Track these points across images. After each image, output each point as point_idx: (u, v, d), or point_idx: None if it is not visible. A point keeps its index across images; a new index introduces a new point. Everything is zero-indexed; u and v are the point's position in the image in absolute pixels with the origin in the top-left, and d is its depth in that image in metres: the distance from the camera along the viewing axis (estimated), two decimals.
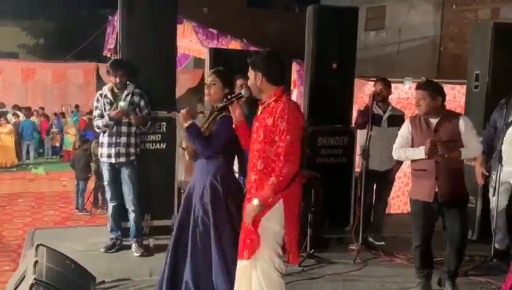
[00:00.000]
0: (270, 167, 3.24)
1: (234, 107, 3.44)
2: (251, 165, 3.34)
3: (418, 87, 4.39)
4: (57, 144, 18.37)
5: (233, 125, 3.50)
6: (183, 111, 3.83)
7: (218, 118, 3.79)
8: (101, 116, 5.13)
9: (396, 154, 4.59)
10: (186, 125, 3.78)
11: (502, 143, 5.12)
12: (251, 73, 3.34)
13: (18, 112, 17.57)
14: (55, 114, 18.62)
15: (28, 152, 17.24)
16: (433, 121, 4.35)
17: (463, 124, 4.31)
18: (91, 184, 11.05)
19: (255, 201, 3.19)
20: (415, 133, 4.41)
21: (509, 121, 5.16)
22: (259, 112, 3.37)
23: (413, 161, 4.48)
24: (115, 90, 5.18)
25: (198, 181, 3.88)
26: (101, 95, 5.20)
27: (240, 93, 3.43)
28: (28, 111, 18.05)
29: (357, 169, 6.11)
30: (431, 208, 4.38)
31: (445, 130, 4.31)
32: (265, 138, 3.23)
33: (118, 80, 5.12)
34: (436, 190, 4.28)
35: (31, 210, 10.88)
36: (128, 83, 5.19)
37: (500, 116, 5.20)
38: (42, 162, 17.06)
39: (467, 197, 4.64)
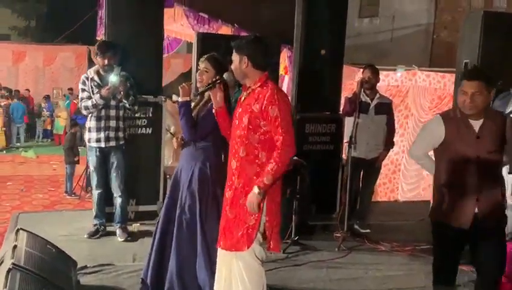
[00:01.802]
0: (252, 154, 3.20)
1: (215, 92, 3.39)
2: (233, 151, 3.30)
3: (471, 78, 3.30)
4: (49, 128, 18.30)
5: (213, 111, 3.45)
6: (185, 84, 3.75)
7: (208, 104, 3.71)
8: (89, 98, 5.06)
9: (413, 156, 3.75)
10: (181, 100, 3.71)
11: None
12: (235, 56, 3.27)
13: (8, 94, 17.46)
14: (45, 97, 18.50)
15: (18, 135, 17.17)
16: (475, 123, 3.33)
17: (511, 127, 3.37)
18: (80, 168, 11.01)
19: (256, 189, 3.12)
20: (450, 135, 3.35)
21: (508, 111, 5.17)
22: (242, 98, 3.32)
23: (442, 172, 3.45)
24: (101, 72, 5.12)
25: (185, 168, 3.84)
26: (87, 78, 5.14)
27: (221, 77, 3.38)
28: (16, 93, 17.93)
29: (344, 156, 6.10)
30: (463, 235, 3.38)
31: (490, 136, 3.32)
32: (250, 124, 3.18)
33: (106, 61, 5.06)
34: (476, 211, 3.31)
35: (20, 193, 10.87)
36: (114, 66, 5.12)
37: (502, 105, 5.18)
38: (33, 146, 16.99)
39: (506, 218, 3.54)
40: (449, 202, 3.39)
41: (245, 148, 3.21)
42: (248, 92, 3.29)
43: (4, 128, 16.32)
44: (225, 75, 3.36)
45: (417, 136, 3.78)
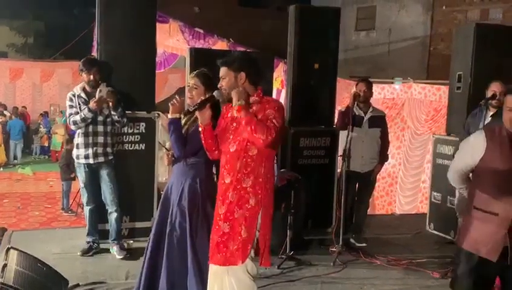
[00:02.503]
0: (249, 167, 3.21)
1: (204, 111, 3.36)
2: (227, 167, 3.28)
3: None
4: (46, 144, 18.29)
5: (200, 128, 3.42)
6: (175, 101, 3.71)
7: (198, 121, 3.67)
8: (77, 113, 5.04)
9: (452, 181, 3.39)
10: (171, 116, 3.69)
11: None
12: (229, 74, 3.26)
13: (5, 112, 17.47)
14: (42, 114, 18.53)
15: (15, 152, 17.16)
16: None
17: None
18: (77, 184, 10.97)
19: (242, 101, 3.14)
20: (490, 153, 2.99)
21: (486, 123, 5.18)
22: (236, 114, 3.27)
23: (476, 194, 3.11)
24: (87, 89, 5.11)
25: (176, 184, 3.80)
26: (73, 95, 5.12)
27: (212, 96, 3.33)
28: (15, 110, 17.96)
29: (339, 170, 6.07)
30: (491, 267, 3.04)
31: None
32: (250, 139, 3.19)
33: (91, 77, 5.06)
34: (507, 245, 2.96)
35: (16, 211, 10.81)
36: (99, 82, 5.11)
37: (474, 121, 5.19)
38: (30, 162, 16.97)
39: None
40: (478, 227, 3.05)
41: (241, 162, 3.21)
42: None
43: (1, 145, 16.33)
44: (215, 94, 3.32)
45: (455, 157, 3.34)
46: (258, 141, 3.15)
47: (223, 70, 3.28)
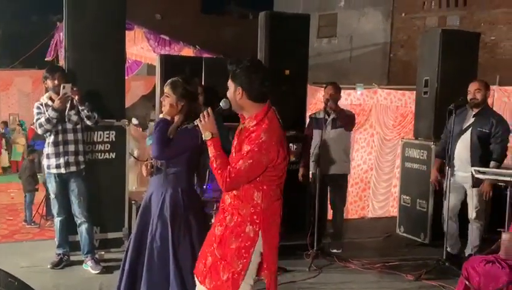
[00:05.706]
0: (247, 193, 2.93)
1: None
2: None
3: None
4: None
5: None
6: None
7: (183, 127, 3.55)
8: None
9: None
10: (162, 116, 3.64)
11: (454, 148, 5.23)
12: (231, 85, 2.94)
13: None
14: (3, 122, 18.01)
15: None
16: None
17: None
18: (41, 195, 10.68)
19: (208, 134, 2.93)
20: None
21: (464, 127, 5.28)
22: (240, 129, 3.03)
23: None
24: (54, 96, 4.99)
25: (156, 194, 3.68)
26: (41, 104, 5.01)
27: (219, 106, 3.03)
28: None
29: (310, 175, 6.06)
30: None
31: None
32: None
33: (56, 82, 4.95)
34: None
35: None
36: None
37: (458, 119, 5.26)
38: None
39: None
40: None
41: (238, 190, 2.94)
42: (244, 126, 2.98)
43: None
44: (222, 104, 3.01)
45: None
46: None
47: (229, 79, 2.97)
